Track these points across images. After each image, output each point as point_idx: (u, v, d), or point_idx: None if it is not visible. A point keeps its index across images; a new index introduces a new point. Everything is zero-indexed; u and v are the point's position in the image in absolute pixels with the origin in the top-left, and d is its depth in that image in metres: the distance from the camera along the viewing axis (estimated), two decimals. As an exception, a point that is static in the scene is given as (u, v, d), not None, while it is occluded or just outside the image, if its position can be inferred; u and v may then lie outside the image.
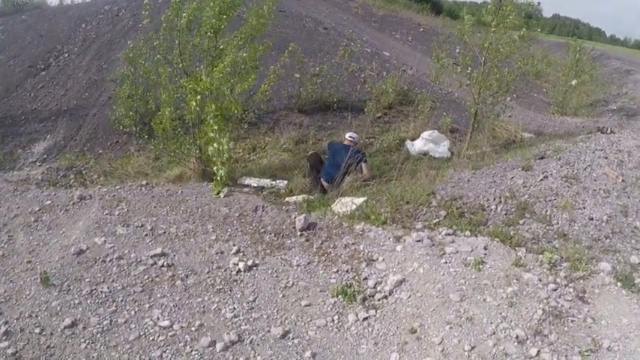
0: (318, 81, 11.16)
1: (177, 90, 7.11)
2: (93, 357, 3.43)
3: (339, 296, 4.08)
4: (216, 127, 6.49)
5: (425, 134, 9.81)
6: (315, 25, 15.03)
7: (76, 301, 3.97)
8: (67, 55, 12.97)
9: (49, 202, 5.78)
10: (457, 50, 9.55)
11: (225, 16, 7.09)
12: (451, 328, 3.72)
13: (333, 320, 3.87)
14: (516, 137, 10.32)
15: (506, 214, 5.84)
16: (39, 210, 5.58)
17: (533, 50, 21.38)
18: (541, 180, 6.65)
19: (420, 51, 16.42)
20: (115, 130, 9.70)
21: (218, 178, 6.26)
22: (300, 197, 6.88)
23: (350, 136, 8.56)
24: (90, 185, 7.50)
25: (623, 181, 6.45)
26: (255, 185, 7.53)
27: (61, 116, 10.50)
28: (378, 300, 4.07)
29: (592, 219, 5.63)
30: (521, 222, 5.64)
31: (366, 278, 4.36)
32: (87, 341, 3.57)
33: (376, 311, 3.93)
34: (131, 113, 8.99)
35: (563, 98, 14.83)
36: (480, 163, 7.66)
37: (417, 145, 9.71)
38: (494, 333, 3.78)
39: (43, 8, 19.82)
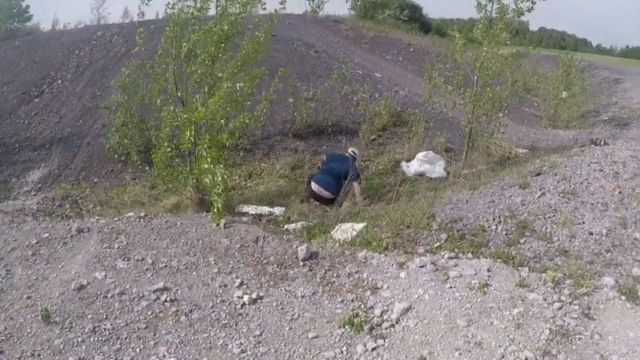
0: (311, 105, 11.25)
1: (173, 119, 7.12)
2: None
3: (346, 327, 4.05)
4: (209, 159, 6.48)
5: (420, 155, 9.88)
6: (306, 48, 15.19)
7: (80, 339, 3.92)
8: (60, 81, 13.01)
9: (46, 234, 5.72)
10: (447, 66, 9.67)
11: (223, 45, 7.15)
12: (460, 354, 3.72)
13: (341, 352, 3.83)
14: (511, 153, 10.43)
15: (506, 234, 5.87)
16: (36, 243, 5.52)
17: (523, 65, 21.66)
18: (539, 197, 6.69)
19: (411, 71, 16.58)
20: (109, 159, 9.68)
21: (215, 210, 6.23)
22: (299, 224, 6.87)
23: (352, 150, 8.83)
24: (86, 215, 7.45)
25: (619, 193, 6.53)
26: (254, 213, 7.53)
27: (56, 144, 10.48)
28: (386, 329, 4.05)
29: (592, 233, 5.68)
30: (522, 241, 5.67)
31: (372, 307, 4.34)
32: None
33: (384, 340, 3.91)
34: (126, 141, 9.00)
35: (555, 111, 14.99)
36: (477, 183, 7.72)
37: (412, 167, 9.78)
38: (503, 357, 3.79)
39: (36, 34, 19.86)
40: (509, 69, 9.45)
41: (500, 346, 3.86)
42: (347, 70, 12.76)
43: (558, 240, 5.63)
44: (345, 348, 3.86)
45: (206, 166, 6.44)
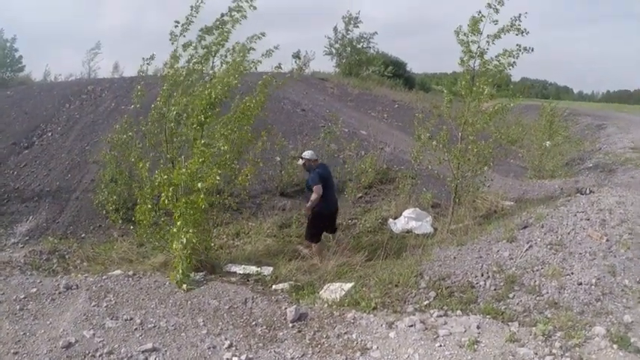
0: (298, 163, 11.45)
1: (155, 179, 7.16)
2: None
3: None
4: (178, 223, 6.51)
5: (406, 212, 10.03)
6: (293, 106, 15.56)
7: None
8: (50, 134, 13.15)
9: (34, 289, 5.70)
10: (431, 122, 9.88)
11: (210, 112, 7.27)
12: (452, 415, 3.71)
13: None
14: (497, 207, 10.59)
15: (495, 289, 5.91)
16: (24, 298, 5.49)
17: (506, 117, 22.20)
18: (526, 250, 6.76)
19: (396, 128, 16.98)
20: (98, 214, 9.74)
21: (178, 275, 6.18)
22: (287, 284, 6.90)
23: (301, 157, 8.66)
24: (73, 270, 7.45)
25: (607, 240, 6.61)
26: (242, 272, 7.55)
27: (44, 197, 10.54)
28: (377, 391, 4.07)
29: (581, 284, 5.73)
30: (511, 295, 5.71)
31: (362, 368, 4.37)
32: None
33: (376, 403, 3.92)
34: (114, 197, 9.07)
35: (539, 161, 15.26)
36: (465, 238, 7.83)
37: (399, 224, 9.90)
38: None
39: (29, 84, 20.24)
40: (494, 123, 9.72)
41: None
42: (335, 128, 13.07)
43: (547, 292, 5.67)
44: None
45: (175, 230, 6.42)
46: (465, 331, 4.90)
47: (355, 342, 4.78)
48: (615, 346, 4.53)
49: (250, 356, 4.54)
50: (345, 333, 4.95)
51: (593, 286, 5.62)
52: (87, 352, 4.51)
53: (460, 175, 9.28)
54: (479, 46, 8.83)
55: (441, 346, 4.60)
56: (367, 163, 11.86)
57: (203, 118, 7.20)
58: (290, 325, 5.16)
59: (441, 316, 5.30)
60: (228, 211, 9.89)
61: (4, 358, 4.43)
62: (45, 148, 12.48)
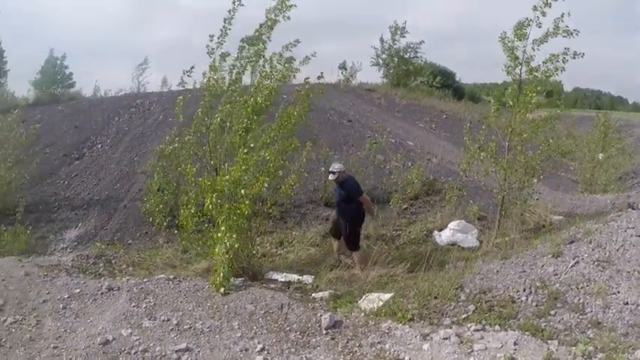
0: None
1: (201, 189, 7.39)
2: None
3: None
4: (223, 228, 6.69)
5: (452, 224, 9.92)
6: (339, 117, 15.68)
7: None
8: (100, 146, 13.78)
9: (78, 290, 6.03)
10: (480, 131, 9.70)
11: (256, 117, 7.50)
12: None
13: None
14: (546, 221, 10.31)
15: (537, 305, 5.75)
16: (68, 297, 5.81)
17: (557, 128, 21.58)
18: (572, 266, 6.54)
19: (444, 139, 16.82)
20: (144, 222, 10.10)
21: (218, 279, 6.35)
22: (326, 293, 6.96)
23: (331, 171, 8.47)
24: (118, 274, 7.69)
25: None
26: (283, 280, 7.67)
27: (93, 205, 11.03)
28: (405, 401, 4.06)
29: (627, 303, 5.52)
30: (552, 312, 5.54)
31: (392, 379, 4.37)
32: None
33: (402, 413, 3.92)
34: (161, 206, 9.41)
35: (591, 175, 14.75)
36: (509, 252, 7.67)
37: (444, 236, 9.80)
38: None
39: (79, 99, 21.23)
40: (543, 133, 9.51)
41: None
42: (381, 138, 13.08)
43: (591, 311, 5.48)
44: None
45: (219, 234, 6.61)
46: (502, 346, 4.81)
47: (388, 352, 4.79)
48: None
49: None
50: (379, 342, 4.97)
51: (639, 307, 5.39)
52: (123, 349, 4.73)
53: (507, 187, 9.09)
54: (525, 52, 8.65)
55: (473, 360, 4.52)
56: (413, 174, 11.78)
57: (249, 124, 7.36)
58: (324, 332, 5.23)
59: (478, 330, 5.20)
60: (272, 220, 10.05)
61: (44, 352, 4.69)
62: (95, 159, 13.09)
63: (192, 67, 8.04)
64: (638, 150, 20.39)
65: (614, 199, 11.93)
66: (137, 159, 12.65)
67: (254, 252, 8.14)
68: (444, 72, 29.60)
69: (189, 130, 8.11)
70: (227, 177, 6.96)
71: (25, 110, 16.78)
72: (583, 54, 8.49)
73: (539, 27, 8.57)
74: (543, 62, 8.65)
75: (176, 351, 4.74)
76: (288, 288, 7.32)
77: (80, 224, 10.42)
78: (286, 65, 7.81)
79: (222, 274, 6.37)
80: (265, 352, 4.79)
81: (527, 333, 5.09)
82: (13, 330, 5.20)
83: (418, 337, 5.02)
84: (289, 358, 4.70)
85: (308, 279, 7.80)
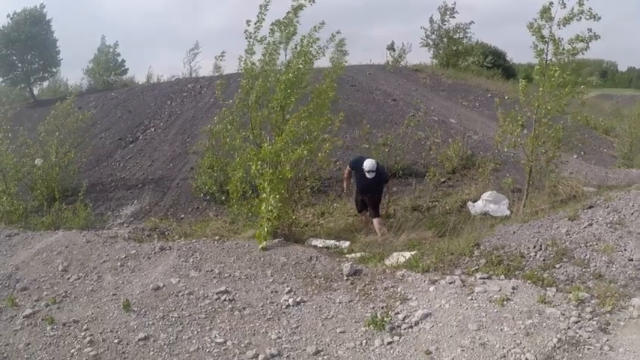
0: (385, 150, 12.13)
1: (246, 158, 8.21)
2: None
3: (370, 326, 4.84)
4: (268, 189, 7.54)
5: (485, 195, 10.38)
6: (384, 97, 16.22)
7: (150, 322, 5.03)
8: (153, 129, 14.88)
9: (134, 251, 6.99)
10: (516, 108, 10.01)
11: (289, 91, 8.20)
12: (463, 350, 4.29)
13: (361, 344, 4.64)
14: (577, 192, 10.56)
15: (544, 260, 6.19)
16: (125, 257, 6.78)
17: (606, 106, 21.15)
18: (585, 227, 6.92)
19: (487, 116, 17.06)
20: (195, 198, 11.10)
21: (262, 232, 7.23)
22: (359, 254, 7.69)
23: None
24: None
25: None
26: (321, 246, 8.43)
27: (147, 184, 12.09)
28: (404, 329, 4.77)
29: (632, 260, 5.80)
30: (557, 266, 5.95)
31: (397, 313, 5.08)
32: (155, 350, 4.59)
33: (400, 337, 4.64)
34: (211, 181, 10.31)
35: (629, 150, 14.70)
36: (528, 217, 8.11)
37: (477, 206, 10.28)
38: (504, 356, 4.18)
39: (132, 86, 22.43)
40: (570, 108, 9.73)
41: (503, 348, 4.30)
42: (420, 116, 13.58)
43: (595, 265, 5.83)
44: (364, 341, 4.66)
45: (264, 195, 7.47)
46: (500, 290, 5.33)
47: (398, 294, 5.54)
48: None
49: (305, 299, 5.53)
50: (392, 287, 5.72)
51: None
52: (171, 292, 5.70)
53: (534, 159, 9.44)
54: (550, 32, 8.93)
55: (472, 299, 5.16)
56: (452, 149, 12.24)
57: (283, 101, 8.12)
58: (345, 278, 6.04)
59: (483, 278, 5.75)
60: (314, 193, 10.79)
61: (104, 299, 5.67)
62: (149, 142, 14.18)
63: (224, 52, 8.86)
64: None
65: (650, 172, 11.99)
66: (189, 140, 13.66)
67: (294, 218, 8.91)
68: (494, 52, 29.32)
69: (233, 110, 8.93)
70: (271, 147, 7.74)
71: (80, 97, 17.99)
72: (599, 36, 8.71)
73: (564, 7, 8.79)
74: (569, 41, 8.92)
75: (216, 293, 5.65)
76: (327, 250, 8.04)
77: (135, 201, 11.49)
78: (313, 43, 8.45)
79: (265, 229, 7.27)
80: (292, 293, 5.66)
81: (528, 281, 5.55)
82: (77, 285, 6.17)
83: (427, 282, 5.72)
84: (312, 298, 5.54)
85: (344, 244, 8.54)
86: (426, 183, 11.18)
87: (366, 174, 8.85)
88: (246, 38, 8.48)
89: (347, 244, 8.56)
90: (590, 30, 8.61)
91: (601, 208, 7.53)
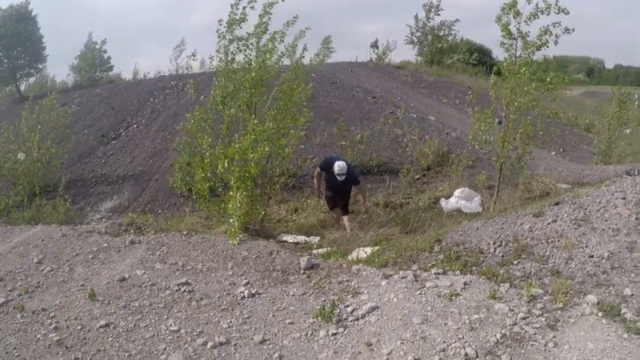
0: (361, 147, 12.20)
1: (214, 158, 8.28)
2: (115, 346, 4.63)
3: (318, 317, 5.01)
4: (235, 187, 7.67)
5: (457, 192, 10.49)
6: (364, 94, 16.34)
7: (112, 311, 5.23)
8: (135, 126, 15.02)
9: (105, 245, 7.20)
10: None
11: (253, 90, 8.36)
12: (402, 343, 4.39)
13: (306, 334, 4.81)
14: (551, 189, 10.64)
15: (502, 256, 6.21)
16: (96, 250, 6.98)
17: (590, 103, 21.31)
18: (548, 224, 6.95)
19: (466, 113, 17.14)
20: (173, 194, 11.24)
21: (233, 229, 7.37)
22: (325, 249, 7.76)
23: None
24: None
25: (636, 218, 6.56)
26: (292, 241, 8.52)
27: (127, 180, 12.31)
28: (350, 321, 4.92)
29: (592, 256, 5.81)
30: (515, 262, 5.96)
31: (347, 305, 5.20)
32: (114, 337, 4.79)
33: (345, 329, 4.79)
34: (188, 179, 10.39)
35: (606, 147, 14.85)
36: (494, 214, 8.17)
37: (450, 203, 10.38)
38: (443, 350, 4.25)
39: (117, 83, 22.51)
40: (539, 103, 9.79)
41: (444, 342, 4.37)
42: (399, 113, 13.65)
43: (554, 262, 5.83)
44: (310, 332, 4.83)
45: (231, 193, 7.57)
46: (451, 285, 5.38)
47: (351, 287, 5.68)
48: (601, 314, 4.61)
49: (260, 291, 5.72)
50: (347, 281, 5.88)
51: (604, 260, 5.67)
52: (136, 283, 5.90)
53: (504, 155, 9.50)
54: (518, 28, 8.98)
55: (420, 294, 5.24)
56: (427, 146, 12.32)
57: (249, 99, 8.29)
58: (302, 272, 6.23)
59: (439, 273, 5.78)
60: (288, 189, 10.87)
61: (73, 289, 5.85)
62: (130, 138, 14.36)
63: (195, 52, 8.94)
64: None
65: (623, 169, 12.06)
66: (169, 137, 13.81)
67: (264, 214, 8.98)
68: (480, 49, 29.47)
69: (206, 107, 8.99)
70: (237, 145, 7.79)
71: (65, 94, 18.11)
72: (573, 29, 8.74)
73: (529, 3, 8.85)
74: (538, 36, 8.95)
75: (177, 284, 5.84)
76: (296, 246, 8.11)
77: (115, 197, 11.69)
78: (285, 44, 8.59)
79: (236, 224, 7.40)
80: (249, 285, 5.86)
81: (483, 277, 5.58)
82: (50, 276, 6.37)
83: (380, 276, 5.85)
84: (267, 290, 5.72)
85: (314, 239, 8.62)
86: (400, 180, 11.26)
87: (337, 177, 8.97)
88: (218, 37, 8.58)
89: (317, 239, 8.64)
90: (558, 23, 8.60)
91: (567, 205, 7.50)
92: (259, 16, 8.49)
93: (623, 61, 75.93)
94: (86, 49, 25.35)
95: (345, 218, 9.13)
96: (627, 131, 15.60)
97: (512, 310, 4.78)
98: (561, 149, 15.93)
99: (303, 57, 9.23)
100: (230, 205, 7.70)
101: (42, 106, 12.94)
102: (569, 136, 17.66)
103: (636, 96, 20.13)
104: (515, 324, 4.56)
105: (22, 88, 25.30)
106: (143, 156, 13.26)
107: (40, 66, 25.59)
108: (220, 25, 8.54)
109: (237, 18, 8.48)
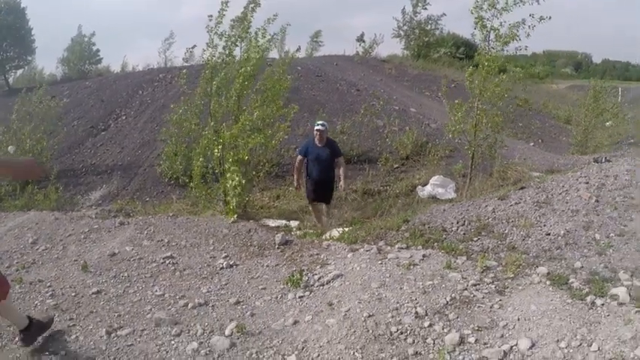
0: (342, 137, 12.82)
1: (208, 143, 8.90)
2: (106, 308, 5.21)
3: (288, 284, 5.65)
4: (231, 168, 8.38)
5: (433, 179, 11.18)
6: (348, 87, 16.97)
7: (103, 280, 5.86)
8: (124, 117, 15.61)
9: (96, 226, 7.83)
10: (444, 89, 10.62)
11: (246, 83, 9.04)
12: (359, 302, 4.95)
13: (276, 297, 5.44)
14: (524, 177, 11.31)
15: (464, 234, 6.78)
16: (88, 231, 7.61)
17: (574, 96, 21.98)
18: (511, 206, 7.57)
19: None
20: (160, 182, 11.90)
21: (230, 207, 8.20)
22: (304, 231, 8.39)
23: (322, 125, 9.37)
24: (133, 220, 9.43)
25: (596, 201, 7.15)
26: (273, 225, 9.13)
27: (116, 170, 12.97)
28: (316, 287, 5.54)
29: (549, 234, 6.31)
30: (475, 239, 6.52)
31: (315, 274, 5.82)
32: (105, 301, 5.39)
33: (311, 293, 5.41)
34: (174, 167, 11.02)
35: (583, 138, 15.53)
36: (462, 198, 8.81)
37: (426, 190, 11.07)
38: (396, 309, 4.67)
39: (106, 75, 22.96)
40: (509, 93, 10.42)
41: (397, 302, 4.87)
42: (379, 105, 14.28)
43: (512, 239, 6.36)
44: (280, 295, 5.48)
45: (228, 174, 8.28)
46: (410, 256, 5.86)
47: (320, 259, 6.26)
48: (549, 282, 4.99)
49: (237, 263, 6.41)
50: (317, 254, 6.53)
51: (559, 237, 6.17)
52: (124, 258, 6.56)
53: (475, 144, 10.13)
54: (491, 23, 9.58)
55: (381, 264, 5.82)
56: (407, 136, 12.95)
57: (241, 91, 8.99)
58: (276, 247, 6.86)
59: (402, 248, 6.29)
60: (271, 177, 11.50)
61: (67, 264, 6.47)
62: (119, 130, 14.96)
63: (194, 46, 9.56)
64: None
65: (595, 157, 12.71)
66: (157, 128, 14.44)
67: (248, 200, 9.61)
68: (466, 43, 30.03)
69: (194, 98, 9.59)
70: (229, 133, 8.48)
71: (54, 86, 18.59)
72: (550, 17, 9.33)
73: None
74: (509, 27, 9.52)
75: (163, 257, 6.50)
76: (277, 229, 8.72)
77: (104, 186, 12.31)
78: (268, 38, 9.15)
79: (235, 202, 8.27)
80: (228, 258, 6.55)
81: (442, 251, 6.09)
82: (44, 254, 6.95)
83: (347, 250, 6.48)
84: (244, 262, 6.42)
85: (294, 223, 9.23)
86: (379, 169, 11.89)
87: (315, 130, 9.25)
88: (208, 32, 9.15)
89: (296, 223, 9.26)
90: (531, 16, 9.16)
91: (532, 189, 8.18)
92: (242, 12, 9.04)
93: (611, 55, 77.51)
94: (74, 41, 25.79)
95: (324, 208, 9.63)
96: (608, 124, 16.28)
97: (465, 278, 5.23)
98: (540, 140, 16.63)
99: (288, 51, 9.85)
100: (228, 184, 8.42)
101: (31, 99, 13.53)
102: (550, 127, 18.36)
103: (620, 90, 20.80)
104: (466, 289, 5.01)
105: (11, 80, 25.72)
106: (132, 147, 13.86)
107: (29, 58, 26.09)
108: (210, 20, 9.07)
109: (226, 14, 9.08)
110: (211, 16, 9.14)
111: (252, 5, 9.01)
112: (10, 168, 3.85)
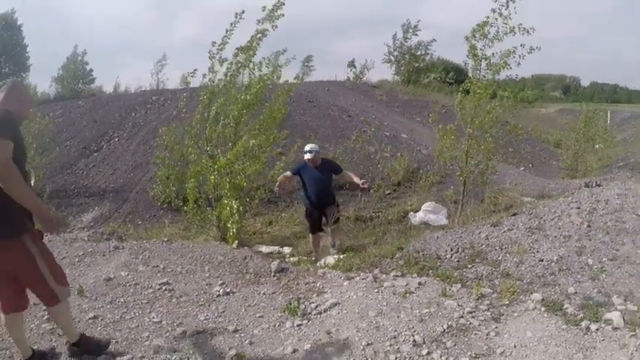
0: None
1: (202, 169, 8.98)
2: (103, 334, 5.20)
3: (285, 312, 5.69)
4: (229, 195, 8.49)
5: (424, 206, 11.33)
6: (339, 112, 17.18)
7: (100, 305, 5.85)
8: (117, 139, 15.64)
9: (90, 249, 7.83)
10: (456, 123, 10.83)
11: (245, 111, 9.16)
12: (358, 331, 5.03)
13: (275, 325, 5.47)
14: (515, 202, 11.50)
15: (458, 261, 6.86)
16: (82, 254, 7.60)
17: (563, 120, 22.41)
18: (504, 232, 7.69)
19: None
20: (153, 206, 11.94)
21: (230, 233, 8.32)
22: (297, 258, 8.49)
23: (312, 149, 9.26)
24: (126, 244, 9.41)
25: (588, 226, 7.24)
26: (266, 251, 9.21)
27: (108, 192, 12.96)
28: (314, 315, 5.59)
29: (542, 260, 6.38)
30: (469, 266, 6.59)
31: (312, 302, 5.88)
32: (102, 326, 5.38)
33: (308, 321, 5.46)
34: (167, 190, 11.09)
35: (572, 162, 15.80)
36: (454, 225, 8.95)
37: (418, 216, 11.21)
38: (394, 337, 4.75)
39: (99, 95, 22.97)
40: (499, 120, 10.64)
41: (395, 330, 4.95)
42: (371, 131, 14.50)
43: (506, 266, 6.44)
44: (278, 324, 5.50)
45: (225, 201, 8.39)
46: (406, 284, 5.96)
47: (317, 288, 6.34)
48: (543, 308, 5.07)
49: (234, 290, 6.42)
50: (313, 282, 6.59)
51: (553, 263, 6.25)
52: (120, 283, 6.54)
53: (467, 170, 10.31)
54: (482, 51, 9.82)
55: (378, 292, 5.93)
56: (398, 163, 13.14)
57: (238, 118, 9.12)
58: (272, 274, 6.91)
59: (397, 276, 6.42)
60: (263, 203, 11.60)
61: None
62: (112, 151, 14.98)
63: (195, 70, 9.66)
64: (638, 140, 21.20)
65: (586, 182, 12.93)
66: (150, 151, 14.49)
67: (240, 226, 9.65)
68: (456, 68, 30.54)
69: (190, 123, 9.69)
70: (226, 159, 8.68)
71: (47, 104, 18.58)
72: (539, 47, 9.54)
73: (494, 28, 9.69)
74: (500, 56, 9.79)
75: (159, 284, 6.51)
76: (270, 255, 8.80)
77: (96, 208, 12.31)
78: (272, 69, 9.29)
79: (234, 229, 8.40)
80: (224, 285, 6.56)
81: (437, 279, 6.19)
82: None
83: (343, 278, 6.57)
84: (241, 289, 6.44)
85: (286, 249, 9.31)
86: (371, 195, 12.04)
87: (305, 155, 9.19)
88: (210, 58, 9.27)
89: (289, 249, 9.35)
90: (522, 45, 9.39)
91: (524, 215, 8.31)
92: (249, 41, 9.16)
93: (599, 78, 79.33)
94: (69, 60, 25.86)
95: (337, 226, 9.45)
96: (597, 146, 16.62)
97: (461, 306, 5.33)
98: (530, 165, 16.91)
99: (287, 81, 10.00)
100: (227, 210, 8.51)
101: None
102: (540, 152, 18.67)
103: (608, 113, 21.24)
104: (462, 317, 5.10)
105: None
106: (124, 169, 13.91)
107: (24, 75, 26.10)
108: (213, 46, 9.19)
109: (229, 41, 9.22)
110: (215, 42, 9.29)
111: (259, 35, 9.16)
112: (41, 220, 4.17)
